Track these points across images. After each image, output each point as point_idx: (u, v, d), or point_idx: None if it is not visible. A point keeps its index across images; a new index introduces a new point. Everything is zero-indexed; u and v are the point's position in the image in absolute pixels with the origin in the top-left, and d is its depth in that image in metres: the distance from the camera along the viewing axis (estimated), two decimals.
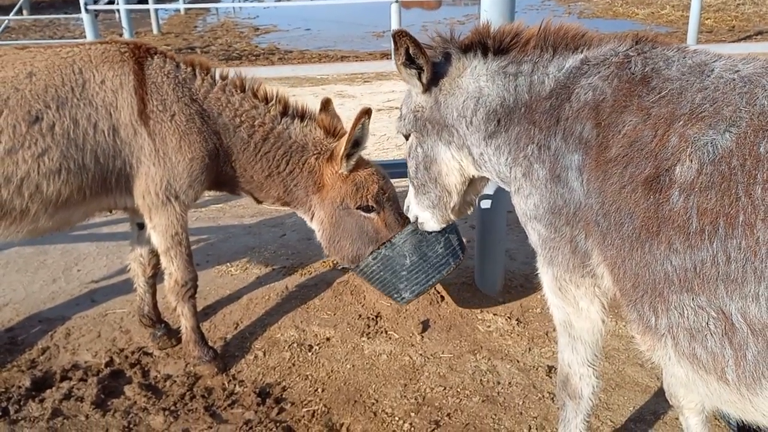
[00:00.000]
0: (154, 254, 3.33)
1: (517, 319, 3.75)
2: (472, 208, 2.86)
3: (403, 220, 3.22)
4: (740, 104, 1.65)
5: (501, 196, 3.83)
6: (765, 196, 1.52)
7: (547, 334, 3.60)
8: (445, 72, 2.41)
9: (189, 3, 15.36)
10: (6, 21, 11.73)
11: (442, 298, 3.98)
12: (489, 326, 3.71)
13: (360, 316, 3.81)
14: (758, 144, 1.57)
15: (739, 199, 1.56)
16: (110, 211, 3.18)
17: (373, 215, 3.18)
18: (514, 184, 2.26)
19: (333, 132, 3.20)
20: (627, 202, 1.80)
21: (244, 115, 3.05)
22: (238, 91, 3.07)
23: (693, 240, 1.64)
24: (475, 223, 4.09)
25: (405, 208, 2.96)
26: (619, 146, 1.84)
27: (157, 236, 3.08)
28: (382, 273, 3.22)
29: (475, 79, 2.33)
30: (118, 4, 12.38)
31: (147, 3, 15.73)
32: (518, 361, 3.39)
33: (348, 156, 3.09)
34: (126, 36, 11.15)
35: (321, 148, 3.16)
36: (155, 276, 3.49)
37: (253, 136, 3.06)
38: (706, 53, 1.92)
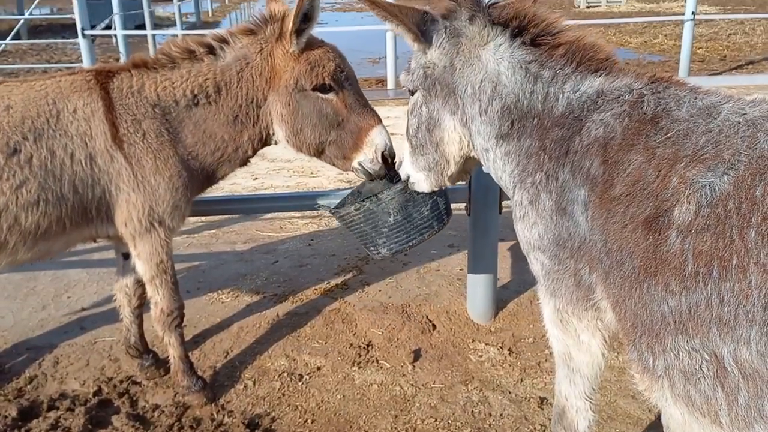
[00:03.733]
0: (140, 284, 3.30)
1: (509, 349, 3.73)
2: (468, 177, 2.76)
3: (364, 101, 3.04)
4: (741, 147, 1.65)
5: (493, 223, 3.83)
6: (758, 239, 1.52)
7: (539, 365, 3.58)
8: (467, 34, 2.26)
9: (186, 28, 15.50)
10: (2, 45, 11.77)
11: (434, 326, 3.97)
12: (481, 356, 3.69)
13: (351, 344, 3.79)
14: (755, 187, 1.57)
15: (734, 242, 1.56)
16: (94, 241, 3.14)
17: (331, 96, 2.95)
18: (519, 210, 2.23)
19: (274, 17, 2.99)
20: (628, 242, 1.80)
21: (188, 81, 2.92)
22: (170, 65, 2.96)
23: (688, 282, 1.63)
24: (466, 250, 4.09)
25: (397, 164, 2.82)
26: (624, 185, 1.84)
27: (141, 264, 3.04)
28: (362, 225, 3.06)
29: (496, 60, 2.21)
30: (115, 29, 12.48)
31: (144, 28, 15.87)
32: (510, 392, 3.37)
33: (298, 32, 2.89)
34: (123, 60, 11.24)
35: (261, 43, 2.97)
36: (141, 306, 3.45)
37: (208, 95, 2.94)
38: (716, 95, 1.91)
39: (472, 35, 2.26)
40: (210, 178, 3.12)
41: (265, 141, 3.11)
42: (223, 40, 2.98)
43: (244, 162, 3.16)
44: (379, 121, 3.05)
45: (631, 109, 1.96)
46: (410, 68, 2.46)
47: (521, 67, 2.20)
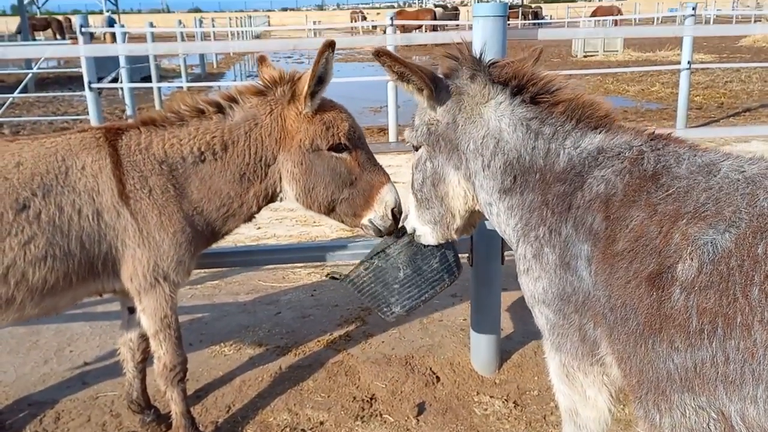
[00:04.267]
0: (144, 339, 3.30)
1: (514, 402, 3.69)
2: (474, 230, 2.80)
3: (374, 159, 3.10)
4: (741, 205, 1.68)
5: (495, 274, 3.84)
6: (761, 297, 1.52)
7: (545, 418, 3.54)
8: (468, 92, 2.35)
9: (192, 80, 15.74)
10: (10, 98, 11.97)
11: (438, 378, 3.94)
12: (486, 409, 3.65)
13: (354, 398, 3.76)
14: (756, 245, 1.58)
15: (737, 300, 1.56)
16: (100, 295, 3.15)
17: (345, 155, 3.01)
18: (523, 263, 2.25)
19: (284, 79, 3.05)
20: (632, 297, 1.80)
21: (195, 138, 2.97)
22: (179, 123, 3.01)
23: (693, 339, 1.63)
24: (469, 300, 4.08)
25: (403, 217, 2.85)
26: (626, 240, 1.86)
27: (146, 319, 3.05)
28: (373, 285, 3.08)
29: (498, 117, 2.29)
30: (121, 81, 12.71)
31: (150, 80, 16.15)
32: None
33: (312, 94, 2.95)
34: (128, 112, 11.41)
35: (272, 104, 3.02)
36: (145, 361, 3.44)
37: (215, 152, 2.98)
38: (715, 152, 1.95)
39: (474, 93, 2.34)
40: (215, 233, 3.15)
41: (271, 198, 3.15)
42: (232, 99, 3.05)
43: (250, 218, 3.19)
44: (389, 179, 3.12)
45: (631, 166, 1.99)
46: (414, 125, 2.54)
47: (522, 124, 2.26)
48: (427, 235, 2.66)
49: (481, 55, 2.38)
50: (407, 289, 3.05)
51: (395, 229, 3.08)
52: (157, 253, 2.90)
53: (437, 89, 2.39)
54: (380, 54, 2.32)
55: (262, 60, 3.24)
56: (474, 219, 2.67)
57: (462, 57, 2.38)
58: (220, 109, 3.03)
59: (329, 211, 3.11)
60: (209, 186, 3.00)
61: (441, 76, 2.41)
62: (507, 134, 2.27)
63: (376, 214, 3.06)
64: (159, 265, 2.92)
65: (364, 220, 3.09)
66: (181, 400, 3.22)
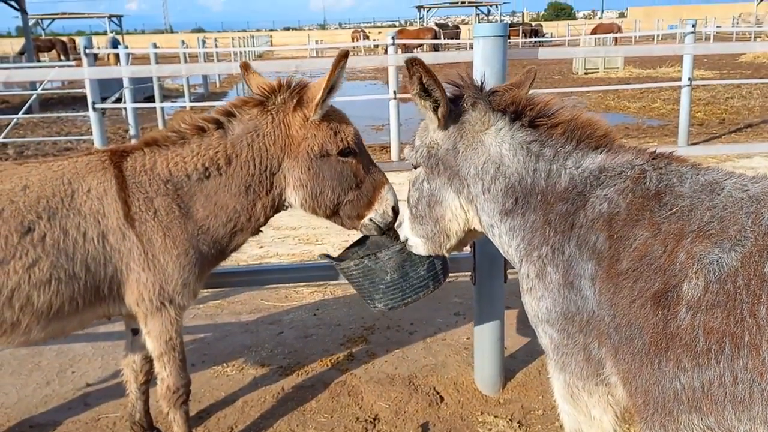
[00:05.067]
0: (147, 360, 3.29)
1: (518, 422, 3.66)
2: (464, 248, 2.84)
3: (372, 161, 3.19)
4: (746, 223, 1.67)
5: (498, 293, 3.83)
6: None
7: None
8: (469, 119, 2.38)
9: (195, 100, 15.83)
10: (15, 119, 12.04)
11: (442, 398, 3.91)
12: (490, 429, 3.62)
13: (357, 418, 3.73)
14: (763, 264, 1.58)
15: (744, 319, 1.55)
16: (108, 318, 3.13)
17: (351, 158, 3.07)
18: (526, 283, 2.25)
19: (283, 87, 3.04)
20: (637, 317, 1.79)
21: (198, 155, 2.98)
22: (180, 141, 3.02)
23: (700, 359, 1.62)
24: (473, 320, 4.06)
25: (397, 223, 2.88)
26: (630, 259, 1.86)
27: (151, 342, 3.04)
28: (361, 280, 3.15)
29: (498, 143, 2.32)
30: (125, 101, 12.78)
31: (153, 100, 16.24)
32: None
33: (323, 102, 2.99)
34: (132, 132, 11.45)
35: (272, 113, 3.02)
36: (148, 383, 3.43)
37: (219, 167, 2.99)
38: (718, 171, 1.96)
39: (474, 121, 2.37)
40: (223, 251, 3.14)
41: (278, 207, 3.16)
42: (229, 114, 3.06)
43: (256, 231, 3.20)
44: (387, 178, 3.22)
45: (634, 185, 1.99)
46: (414, 145, 2.57)
47: (522, 147, 2.28)
48: (419, 246, 2.69)
49: (482, 83, 2.42)
50: (392, 291, 3.12)
51: (393, 225, 3.13)
52: (162, 277, 2.89)
53: (450, 112, 2.40)
54: (414, 63, 2.31)
55: (245, 67, 3.28)
56: (467, 238, 2.69)
57: (464, 84, 2.41)
58: (219, 125, 3.05)
59: (333, 213, 3.15)
60: (215, 202, 3.00)
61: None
62: (508, 159, 2.30)
63: (377, 212, 3.15)
64: (164, 289, 2.91)
65: (365, 220, 3.16)
66: (183, 422, 3.20)
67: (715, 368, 1.59)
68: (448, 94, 2.39)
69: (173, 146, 3.02)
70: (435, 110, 2.39)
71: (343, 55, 2.93)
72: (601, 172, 2.10)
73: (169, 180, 2.94)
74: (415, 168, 2.60)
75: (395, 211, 3.14)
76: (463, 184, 2.42)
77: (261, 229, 3.22)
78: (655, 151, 2.14)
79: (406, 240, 2.76)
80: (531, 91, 2.56)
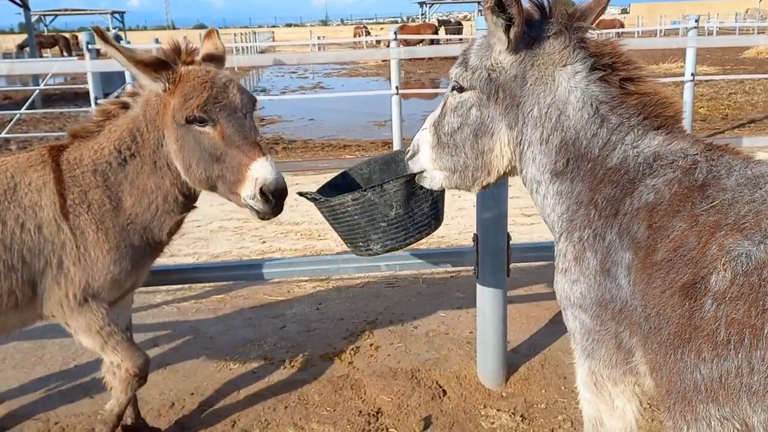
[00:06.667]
0: None
1: (521, 416, 3.66)
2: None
3: (246, 134, 2.82)
4: None
5: (501, 287, 3.82)
6: None
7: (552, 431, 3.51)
8: (546, 48, 2.15)
9: None
10: (18, 114, 12.04)
11: (444, 392, 3.91)
12: (492, 423, 3.62)
13: (360, 412, 3.73)
14: None
15: (766, 311, 1.55)
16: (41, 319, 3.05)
17: (208, 128, 2.80)
18: (562, 263, 2.18)
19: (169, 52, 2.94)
20: (665, 307, 1.79)
21: (109, 139, 2.95)
22: (96, 130, 3.00)
23: (720, 349, 1.62)
24: (475, 314, 4.06)
25: (410, 153, 2.60)
26: (666, 250, 1.84)
27: (83, 338, 2.98)
28: (357, 218, 2.84)
29: (569, 86, 2.12)
30: None
31: None
32: None
33: (156, 66, 2.84)
34: None
35: (160, 81, 2.90)
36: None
37: (129, 147, 2.94)
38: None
39: (552, 51, 2.15)
40: (155, 238, 3.06)
41: (185, 181, 3.00)
42: (135, 94, 3.04)
43: (184, 208, 3.07)
44: (263, 154, 2.81)
45: (682, 176, 1.94)
46: (469, 64, 2.30)
47: (591, 104, 2.12)
48: (437, 179, 2.49)
49: (574, 12, 2.18)
50: (394, 229, 2.86)
51: (272, 211, 2.84)
52: (91, 272, 2.87)
53: (524, 34, 2.16)
54: None
55: (208, 34, 3.14)
56: (497, 182, 2.48)
57: (551, 7, 2.17)
58: (125, 105, 3.02)
59: (211, 188, 2.94)
60: (138, 185, 2.96)
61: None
62: (571, 109, 2.13)
63: (247, 194, 2.80)
64: (90, 285, 2.89)
65: (242, 200, 2.85)
66: (124, 405, 3.16)
67: (733, 359, 1.59)
68: (527, 15, 2.15)
69: (91, 135, 3.02)
70: (507, 30, 2.13)
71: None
72: (655, 160, 2.02)
73: (96, 170, 2.92)
74: (460, 91, 2.33)
75: (267, 195, 2.77)
76: (518, 121, 2.21)
77: (195, 205, 3.12)
78: (711, 143, 2.07)
79: (421, 172, 2.55)
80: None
